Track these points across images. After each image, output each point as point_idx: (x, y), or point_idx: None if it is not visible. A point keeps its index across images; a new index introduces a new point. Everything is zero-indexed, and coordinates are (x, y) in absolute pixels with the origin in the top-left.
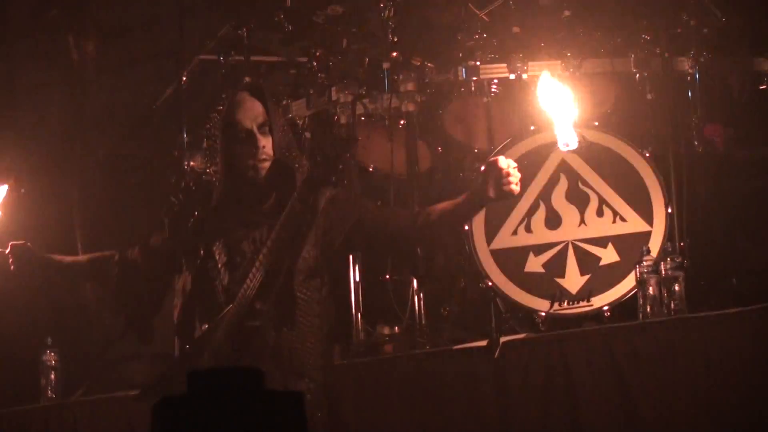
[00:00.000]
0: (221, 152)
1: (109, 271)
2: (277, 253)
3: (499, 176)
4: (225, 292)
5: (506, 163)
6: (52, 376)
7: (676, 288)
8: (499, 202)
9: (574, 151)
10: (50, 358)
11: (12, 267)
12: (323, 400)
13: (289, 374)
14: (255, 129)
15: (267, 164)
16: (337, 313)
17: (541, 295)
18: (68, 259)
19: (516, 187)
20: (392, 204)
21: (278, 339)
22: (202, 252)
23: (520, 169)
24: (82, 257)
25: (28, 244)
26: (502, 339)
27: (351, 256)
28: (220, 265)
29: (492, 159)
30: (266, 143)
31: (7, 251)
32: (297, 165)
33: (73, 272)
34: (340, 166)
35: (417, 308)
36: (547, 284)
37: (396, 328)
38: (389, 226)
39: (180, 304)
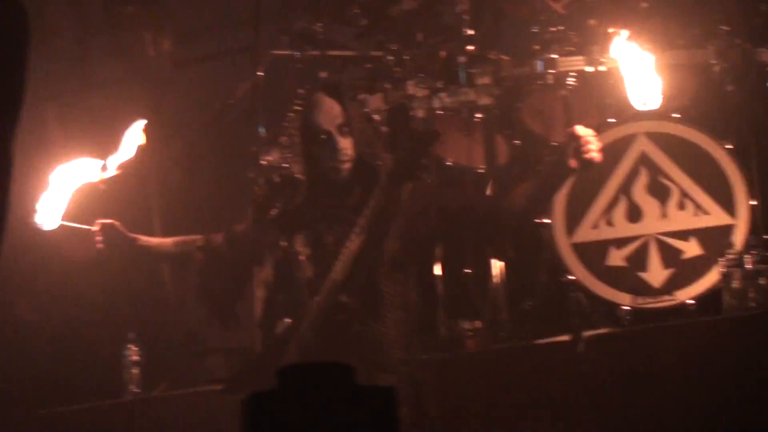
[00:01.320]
0: (301, 153)
1: (194, 255)
2: (362, 247)
3: (578, 145)
4: (309, 286)
5: (585, 131)
6: (135, 371)
7: (761, 281)
8: (582, 173)
9: (654, 144)
10: (132, 352)
11: (99, 245)
12: (408, 394)
13: (373, 368)
14: (334, 131)
15: (348, 165)
16: (419, 308)
17: (624, 289)
18: (154, 240)
19: (597, 155)
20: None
21: (363, 332)
22: (284, 244)
23: (600, 162)
24: (167, 240)
25: (116, 222)
26: (585, 334)
27: (432, 250)
28: (303, 258)
29: (570, 129)
30: (346, 144)
31: (95, 229)
32: (379, 162)
33: (158, 254)
34: (423, 161)
35: (499, 302)
36: (629, 278)
37: (478, 322)
38: (473, 210)
39: (262, 296)
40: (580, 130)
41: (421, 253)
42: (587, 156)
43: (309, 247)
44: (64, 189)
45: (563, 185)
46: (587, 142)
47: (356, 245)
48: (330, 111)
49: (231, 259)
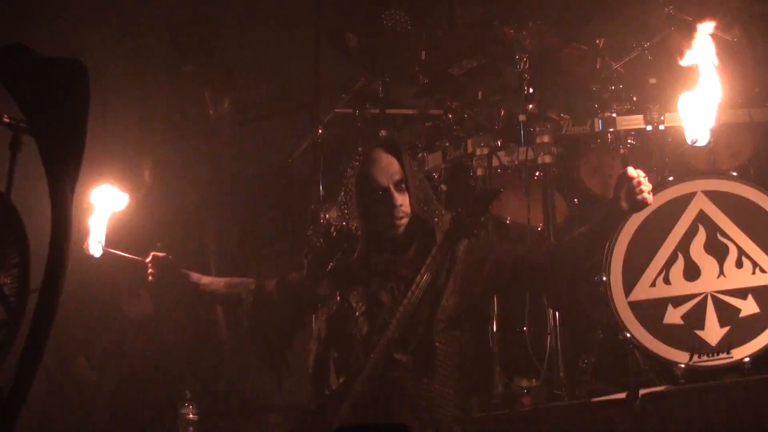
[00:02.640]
0: (358, 208)
1: (244, 298)
2: (418, 304)
3: (630, 186)
4: (364, 342)
5: (636, 172)
6: (192, 429)
7: None
8: (630, 210)
9: (713, 202)
10: (189, 411)
11: (150, 277)
12: None
13: (427, 426)
14: (391, 187)
15: (404, 221)
16: (475, 365)
17: (680, 347)
18: (206, 278)
19: (649, 196)
20: None
21: (417, 390)
22: (339, 298)
23: (658, 221)
24: (219, 279)
25: (170, 256)
26: (642, 391)
27: (487, 306)
28: (358, 314)
29: (622, 172)
30: (403, 201)
31: (148, 260)
32: (436, 219)
33: (209, 292)
34: (482, 218)
35: (555, 360)
36: (686, 336)
37: (534, 380)
38: (527, 260)
39: (315, 350)
40: (632, 171)
41: (477, 309)
42: (639, 197)
43: (364, 303)
44: (101, 216)
45: (615, 229)
46: (639, 183)
47: (412, 302)
48: (388, 167)
49: (281, 306)
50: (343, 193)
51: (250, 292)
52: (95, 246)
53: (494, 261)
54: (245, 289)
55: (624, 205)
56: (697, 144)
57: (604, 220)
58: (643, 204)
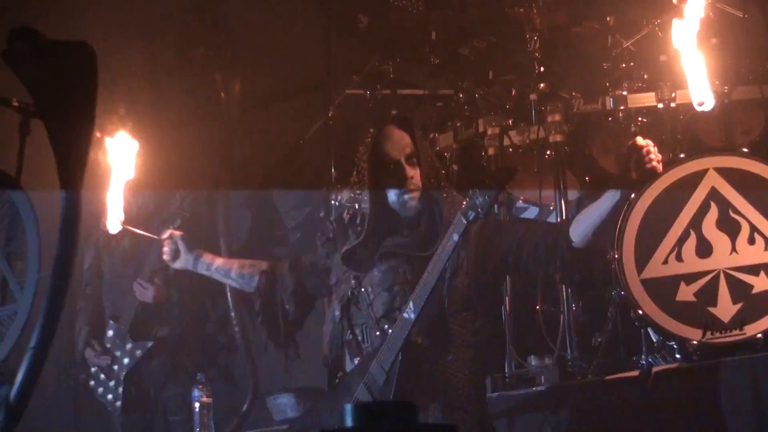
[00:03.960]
0: (369, 184)
1: (256, 279)
2: (432, 285)
3: (639, 156)
4: (377, 324)
5: (645, 141)
6: (206, 412)
7: None
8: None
9: (725, 179)
10: (203, 393)
11: (165, 256)
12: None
13: (443, 406)
14: (403, 160)
15: (416, 195)
16: (489, 345)
17: (693, 324)
18: (220, 259)
19: (658, 165)
20: None
21: (432, 371)
22: (352, 282)
23: (670, 198)
24: (232, 260)
25: (185, 235)
26: (655, 369)
27: (503, 287)
28: (372, 297)
29: (630, 142)
30: (414, 174)
31: (164, 237)
32: (445, 196)
33: (222, 272)
34: (500, 198)
35: (568, 339)
36: (699, 313)
37: (547, 359)
38: (542, 238)
39: (329, 332)
40: (641, 140)
41: (490, 289)
42: (648, 165)
43: (378, 285)
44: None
45: (626, 202)
46: (648, 152)
47: (427, 284)
48: (399, 141)
49: (294, 288)
50: (355, 173)
51: (263, 274)
52: (114, 222)
53: (508, 243)
54: (258, 270)
55: (633, 174)
56: (703, 107)
57: (614, 193)
58: (653, 173)
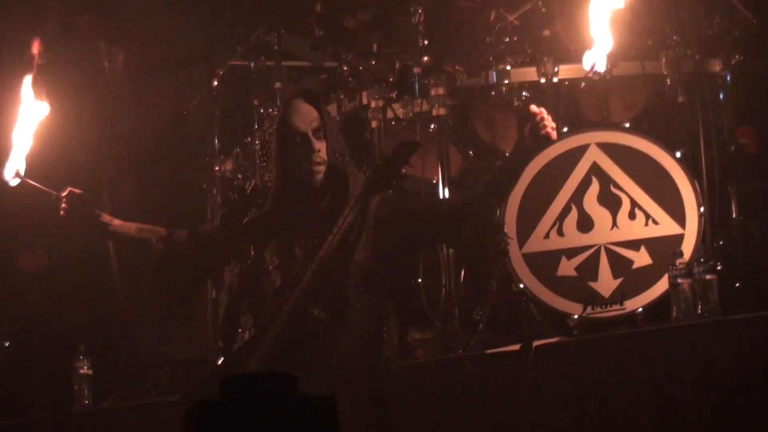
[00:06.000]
0: (275, 156)
1: (154, 244)
2: (331, 258)
3: (534, 123)
4: (276, 296)
5: (539, 108)
6: (85, 383)
7: (710, 291)
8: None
9: (606, 154)
10: (83, 364)
11: (62, 212)
12: (370, 405)
13: (337, 379)
14: (310, 133)
15: (322, 168)
16: (383, 319)
17: (574, 299)
18: (117, 221)
19: (553, 132)
20: None
21: (328, 343)
22: (252, 253)
23: (551, 173)
24: (130, 224)
25: (86, 195)
26: (535, 343)
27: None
28: (271, 268)
29: (525, 110)
30: (321, 147)
31: (63, 194)
32: (350, 170)
33: (119, 234)
34: (402, 171)
35: (450, 312)
36: (579, 288)
37: (428, 332)
38: (441, 211)
39: (226, 303)
40: (534, 108)
41: (390, 264)
42: (543, 131)
43: (278, 257)
44: (22, 145)
45: (521, 172)
46: (543, 119)
47: (327, 256)
48: (307, 114)
49: (191, 256)
50: (260, 145)
51: (161, 239)
52: (11, 173)
53: (406, 214)
54: (156, 235)
55: (529, 142)
56: (595, 70)
57: (510, 162)
58: (548, 139)
